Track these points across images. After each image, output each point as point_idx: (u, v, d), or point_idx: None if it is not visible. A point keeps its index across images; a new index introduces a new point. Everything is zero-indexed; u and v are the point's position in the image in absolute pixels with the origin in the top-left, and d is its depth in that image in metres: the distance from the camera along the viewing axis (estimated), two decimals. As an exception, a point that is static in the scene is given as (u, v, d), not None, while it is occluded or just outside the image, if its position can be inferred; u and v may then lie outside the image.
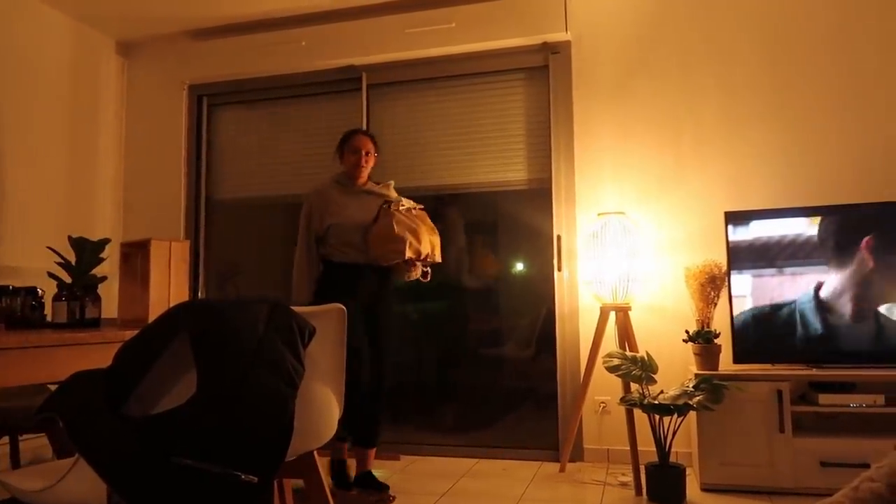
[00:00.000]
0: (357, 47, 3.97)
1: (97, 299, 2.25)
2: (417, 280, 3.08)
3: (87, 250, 2.25)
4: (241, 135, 4.38)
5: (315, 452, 1.85)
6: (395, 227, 2.88)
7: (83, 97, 4.23)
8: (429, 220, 3.06)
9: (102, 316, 2.30)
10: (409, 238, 2.89)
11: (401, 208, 2.98)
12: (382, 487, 2.96)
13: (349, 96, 4.14)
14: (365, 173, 3.11)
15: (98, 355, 1.91)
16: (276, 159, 4.28)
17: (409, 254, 2.88)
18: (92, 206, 4.26)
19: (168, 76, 4.41)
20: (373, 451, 3.05)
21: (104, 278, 2.30)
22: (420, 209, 3.08)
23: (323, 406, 1.78)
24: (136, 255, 2.38)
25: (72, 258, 2.24)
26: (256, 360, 1.30)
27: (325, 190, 3.10)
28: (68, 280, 2.22)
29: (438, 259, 3.06)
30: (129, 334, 1.35)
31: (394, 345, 3.13)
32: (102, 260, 2.30)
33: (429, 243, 2.98)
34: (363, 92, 4.07)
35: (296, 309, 1.57)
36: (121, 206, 4.44)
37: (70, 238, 2.26)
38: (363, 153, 3.07)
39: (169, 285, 2.32)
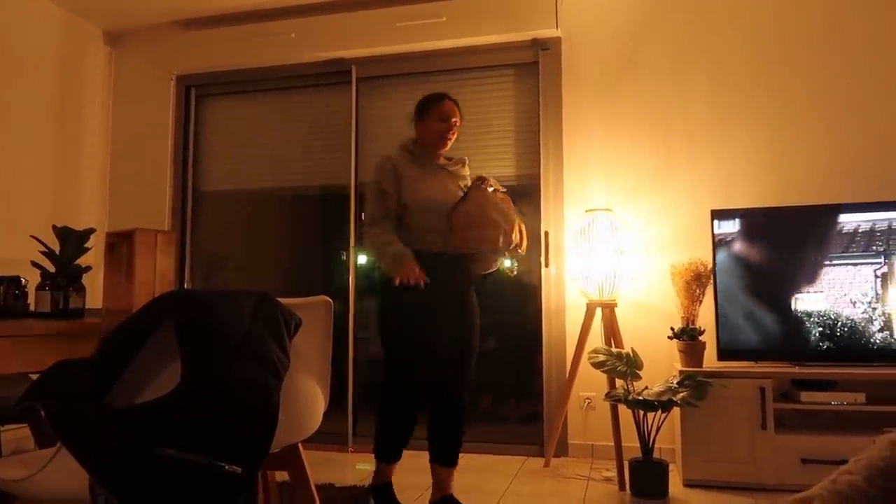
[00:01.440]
0: (347, 40, 3.95)
1: (81, 289, 2.23)
2: (495, 273, 2.68)
3: (72, 240, 2.22)
4: (229, 126, 4.36)
5: (300, 445, 1.85)
6: (487, 207, 2.45)
7: (70, 87, 4.18)
8: (513, 207, 2.62)
9: (87, 306, 2.28)
10: (503, 223, 2.48)
11: (490, 189, 2.53)
12: None
13: (339, 89, 4.12)
14: (448, 146, 2.64)
15: (81, 345, 1.89)
16: (265, 152, 4.26)
17: (501, 241, 2.47)
18: (77, 195, 4.22)
19: (156, 66, 4.37)
20: (452, 471, 2.63)
21: (89, 268, 2.28)
22: (504, 193, 2.63)
23: (308, 398, 1.78)
24: (121, 245, 2.37)
25: (56, 247, 2.22)
26: (242, 351, 1.30)
27: (397, 161, 2.59)
28: (52, 269, 2.20)
29: (524, 250, 2.63)
30: (114, 324, 1.34)
31: (475, 347, 2.61)
32: (87, 250, 2.28)
33: (518, 233, 2.56)
34: (353, 85, 4.06)
35: (282, 301, 1.56)
36: (107, 196, 4.40)
37: (54, 227, 2.23)
38: (452, 122, 2.59)
39: (154, 276, 2.30)
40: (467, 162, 2.74)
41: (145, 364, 1.29)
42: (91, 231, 2.29)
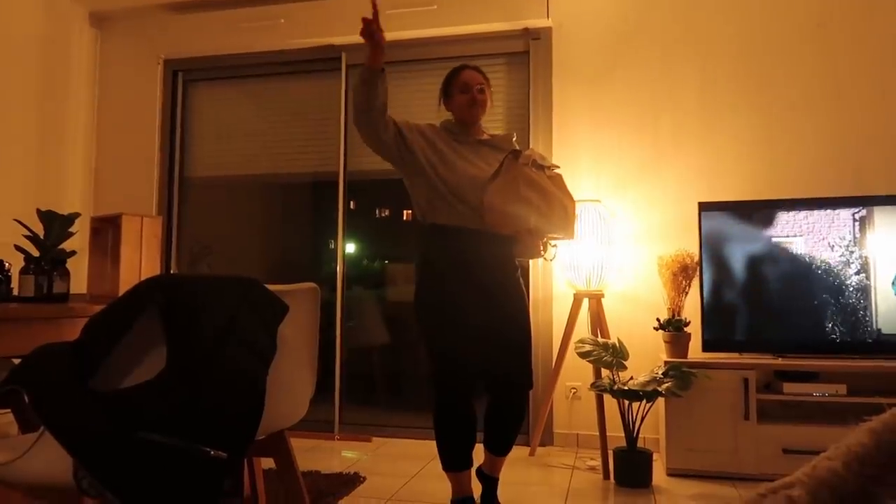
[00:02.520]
0: (337, 26, 3.92)
1: (65, 274, 2.21)
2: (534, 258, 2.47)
3: (57, 224, 2.20)
4: (218, 112, 4.32)
5: (286, 432, 1.84)
6: (521, 185, 2.25)
7: (54, 69, 4.12)
8: (565, 186, 2.42)
9: (71, 291, 2.27)
10: (538, 202, 2.27)
11: (529, 163, 2.32)
12: None
13: (329, 76, 4.09)
14: (481, 114, 2.42)
15: (65, 330, 1.88)
16: (253, 139, 4.23)
17: (532, 222, 2.27)
18: (62, 180, 4.18)
19: (143, 50, 4.32)
20: (503, 458, 2.45)
21: (73, 253, 2.26)
22: (556, 170, 2.44)
23: (294, 385, 1.78)
24: (106, 229, 2.35)
25: (40, 231, 2.20)
26: (227, 336, 1.29)
27: (438, 130, 2.42)
28: (36, 254, 2.18)
29: (572, 235, 2.41)
30: (98, 309, 1.33)
31: (528, 340, 2.41)
32: (72, 234, 2.26)
33: (561, 212, 2.34)
34: (343, 72, 4.03)
35: (268, 287, 1.56)
36: (92, 181, 4.35)
37: (38, 211, 2.21)
38: (475, 89, 2.39)
39: (140, 261, 2.29)
40: (514, 137, 2.52)
41: (130, 348, 1.28)
42: (76, 215, 2.27)
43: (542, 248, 2.40)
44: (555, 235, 2.40)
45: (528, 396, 2.44)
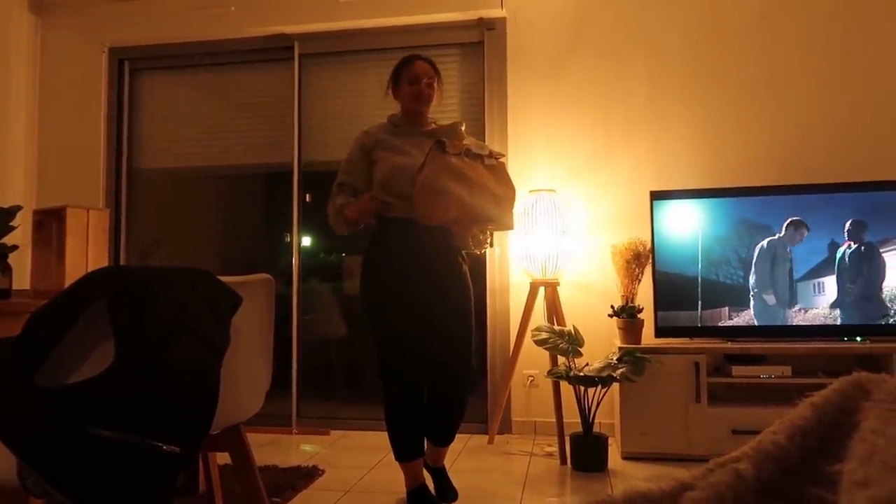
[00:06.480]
0: (289, 15, 3.85)
1: (7, 269, 2.13)
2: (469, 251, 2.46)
3: (-4, 217, 2.12)
4: (166, 103, 4.20)
5: (242, 427, 1.82)
6: (441, 175, 2.18)
7: (-9, 56, 3.95)
8: (506, 175, 2.39)
9: (14, 287, 2.19)
10: (459, 191, 2.20)
11: (460, 153, 2.25)
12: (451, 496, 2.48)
13: (281, 66, 4.02)
14: (426, 108, 2.42)
15: (8, 327, 1.81)
16: (203, 129, 4.13)
17: (454, 212, 2.21)
18: (2, 172, 4.01)
19: (86, 37, 4.17)
20: (445, 449, 2.50)
21: (15, 247, 2.18)
22: (498, 159, 2.40)
23: (250, 378, 1.75)
24: (50, 223, 2.27)
25: (-22, 225, 2.12)
26: (178, 329, 1.26)
27: (374, 133, 2.42)
28: (-25, 248, 2.10)
29: (508, 225, 2.40)
30: (42, 305, 1.29)
31: (470, 332, 2.42)
32: (13, 228, 2.18)
33: (491, 203, 2.29)
34: (295, 62, 3.97)
35: (221, 279, 1.53)
36: (35, 173, 4.19)
37: (-24, 204, 2.12)
38: (423, 82, 2.38)
39: (87, 255, 2.22)
40: (462, 126, 2.42)
41: (77, 343, 1.24)
42: (17, 208, 2.19)
43: (472, 239, 2.38)
44: (487, 226, 2.38)
45: (469, 388, 2.46)
